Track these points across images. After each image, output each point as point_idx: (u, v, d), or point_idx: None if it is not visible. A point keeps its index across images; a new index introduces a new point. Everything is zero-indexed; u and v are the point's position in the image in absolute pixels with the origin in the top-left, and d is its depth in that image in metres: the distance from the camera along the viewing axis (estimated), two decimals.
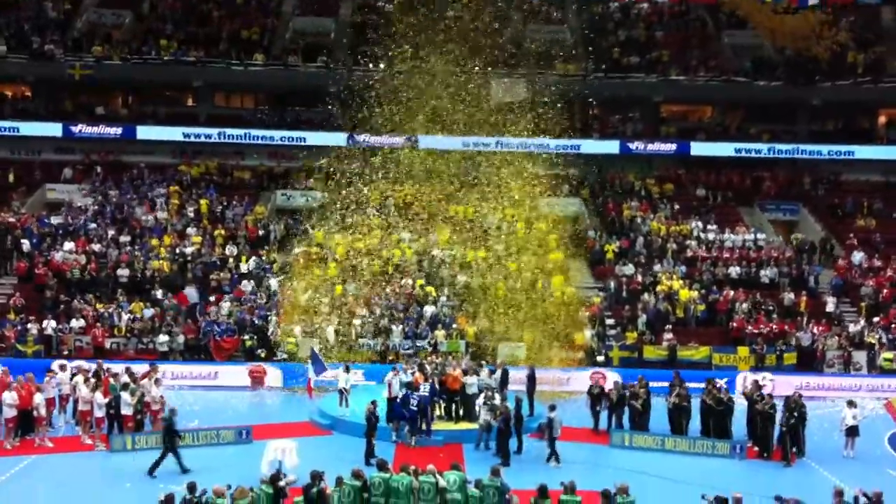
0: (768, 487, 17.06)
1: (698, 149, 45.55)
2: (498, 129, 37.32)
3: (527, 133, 36.81)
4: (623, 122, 47.77)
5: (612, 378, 28.57)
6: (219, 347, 32.42)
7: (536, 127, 36.28)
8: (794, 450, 23.24)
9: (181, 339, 32.44)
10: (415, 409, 23.50)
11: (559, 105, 36.75)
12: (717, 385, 25.52)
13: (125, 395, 23.30)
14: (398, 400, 23.86)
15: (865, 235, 41.70)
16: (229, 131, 44.71)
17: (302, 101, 46.70)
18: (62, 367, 25.78)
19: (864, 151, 45.50)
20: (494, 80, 39.14)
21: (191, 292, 34.58)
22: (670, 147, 45.64)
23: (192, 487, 15.51)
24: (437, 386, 24.88)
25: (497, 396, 23.77)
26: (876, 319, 35.14)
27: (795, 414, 23.18)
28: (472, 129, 37.63)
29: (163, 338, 32.14)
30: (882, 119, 48.67)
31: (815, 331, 34.20)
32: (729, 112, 48.93)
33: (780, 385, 29.35)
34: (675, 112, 49.68)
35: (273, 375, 31.17)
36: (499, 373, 26.01)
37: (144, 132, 44.49)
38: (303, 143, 43.78)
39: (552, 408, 22.74)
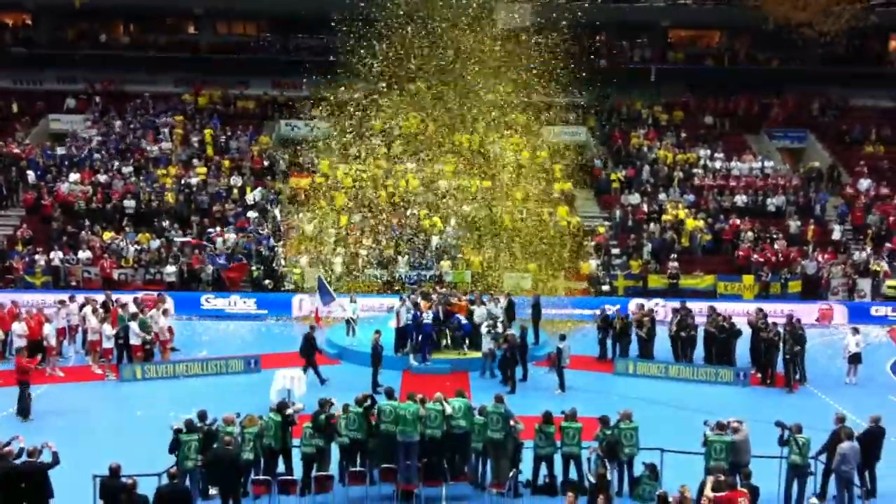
0: (771, 413, 17.21)
1: (706, 74, 45.03)
2: (504, 58, 36.71)
3: (532, 60, 36.26)
4: (631, 47, 47.10)
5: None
6: (227, 278, 32.57)
7: (541, 54, 35.72)
8: (797, 377, 23.47)
9: (210, 269, 32.58)
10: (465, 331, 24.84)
11: (565, 30, 36.15)
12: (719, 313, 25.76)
13: (134, 326, 23.53)
14: (451, 321, 24.81)
15: (873, 162, 41.41)
16: (231, 60, 44.25)
17: (305, 28, 46.09)
18: (71, 299, 25.90)
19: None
20: (499, 4, 38.40)
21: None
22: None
23: (202, 416, 15.71)
24: (441, 315, 25.01)
25: (500, 325, 24.00)
26: (889, 245, 35.15)
27: (797, 343, 23.35)
28: (476, 57, 37.03)
29: (170, 268, 32.31)
30: (894, 44, 47.92)
31: (820, 259, 34.20)
32: (737, 37, 48.21)
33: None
34: (683, 38, 48.95)
35: None
36: (504, 302, 26.14)
37: (146, 61, 44.04)
38: (306, 72, 43.25)
39: (562, 337, 22.93)
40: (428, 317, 24.23)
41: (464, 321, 25.12)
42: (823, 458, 15.96)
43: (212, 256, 32.99)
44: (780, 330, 23.78)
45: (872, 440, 16.07)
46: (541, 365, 24.10)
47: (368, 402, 16.39)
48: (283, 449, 16.01)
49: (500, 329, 23.77)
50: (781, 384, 23.40)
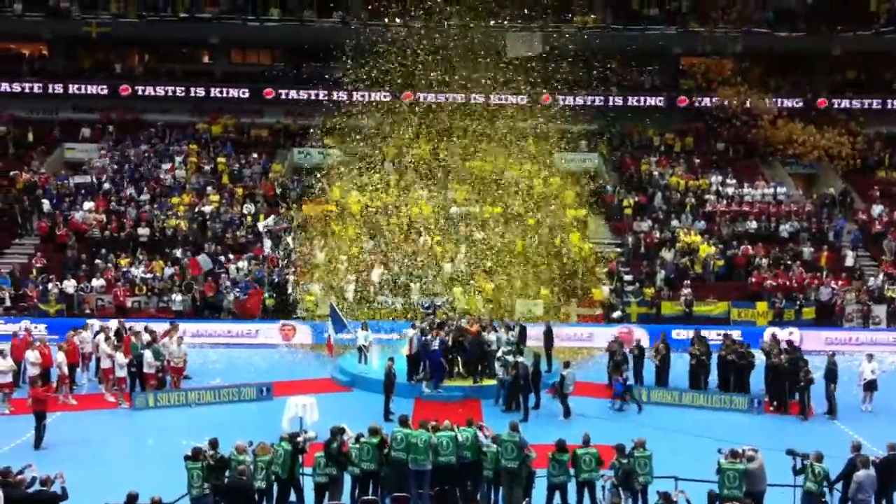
0: (785, 441, 17.06)
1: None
2: (514, 85, 36.90)
3: (543, 87, 36.47)
4: (642, 75, 47.20)
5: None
6: (241, 306, 32.58)
7: (553, 81, 35.92)
8: (813, 405, 23.23)
9: (232, 297, 32.61)
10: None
11: (577, 58, 36.35)
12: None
13: (147, 355, 23.56)
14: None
15: (886, 188, 41.26)
16: (246, 88, 44.68)
17: (318, 56, 46.46)
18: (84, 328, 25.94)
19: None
20: (510, 33, 38.68)
21: (204, 259, 34.22)
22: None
23: (213, 444, 15.63)
24: (451, 342, 24.87)
25: (512, 352, 23.89)
26: None
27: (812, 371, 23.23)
28: (488, 84, 37.21)
29: (178, 297, 32.37)
30: None
31: (834, 285, 34.00)
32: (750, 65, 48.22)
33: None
34: (694, 65, 49.03)
35: None
36: (517, 329, 26.06)
37: (161, 90, 44.55)
38: (319, 100, 43.55)
39: (566, 364, 22.89)
40: (436, 343, 24.10)
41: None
42: (839, 486, 15.79)
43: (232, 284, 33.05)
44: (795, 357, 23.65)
45: (890, 468, 15.88)
46: (551, 393, 24.00)
47: (379, 438, 16.29)
48: (290, 478, 15.85)
49: (510, 357, 23.66)
50: (796, 412, 23.23)
